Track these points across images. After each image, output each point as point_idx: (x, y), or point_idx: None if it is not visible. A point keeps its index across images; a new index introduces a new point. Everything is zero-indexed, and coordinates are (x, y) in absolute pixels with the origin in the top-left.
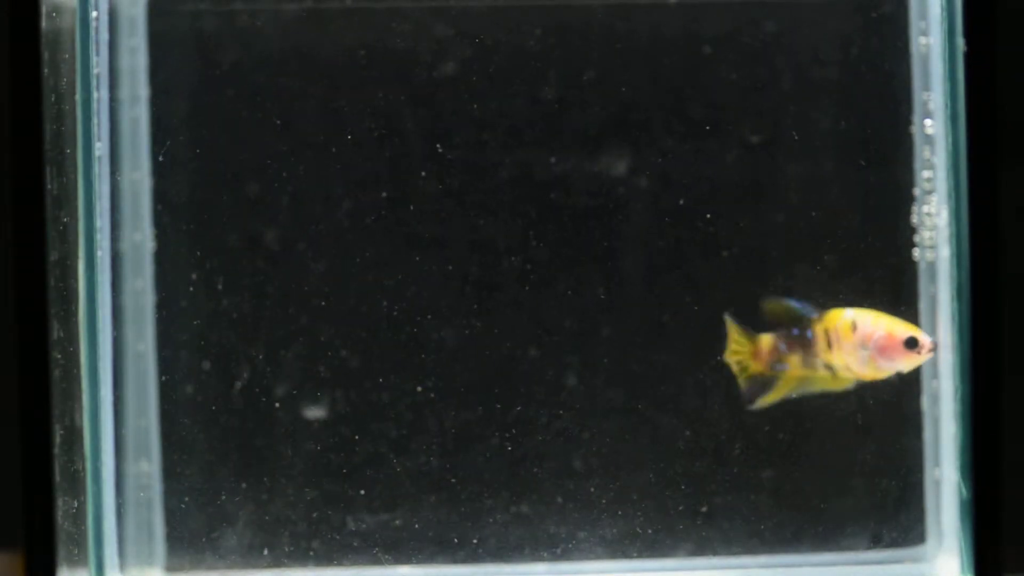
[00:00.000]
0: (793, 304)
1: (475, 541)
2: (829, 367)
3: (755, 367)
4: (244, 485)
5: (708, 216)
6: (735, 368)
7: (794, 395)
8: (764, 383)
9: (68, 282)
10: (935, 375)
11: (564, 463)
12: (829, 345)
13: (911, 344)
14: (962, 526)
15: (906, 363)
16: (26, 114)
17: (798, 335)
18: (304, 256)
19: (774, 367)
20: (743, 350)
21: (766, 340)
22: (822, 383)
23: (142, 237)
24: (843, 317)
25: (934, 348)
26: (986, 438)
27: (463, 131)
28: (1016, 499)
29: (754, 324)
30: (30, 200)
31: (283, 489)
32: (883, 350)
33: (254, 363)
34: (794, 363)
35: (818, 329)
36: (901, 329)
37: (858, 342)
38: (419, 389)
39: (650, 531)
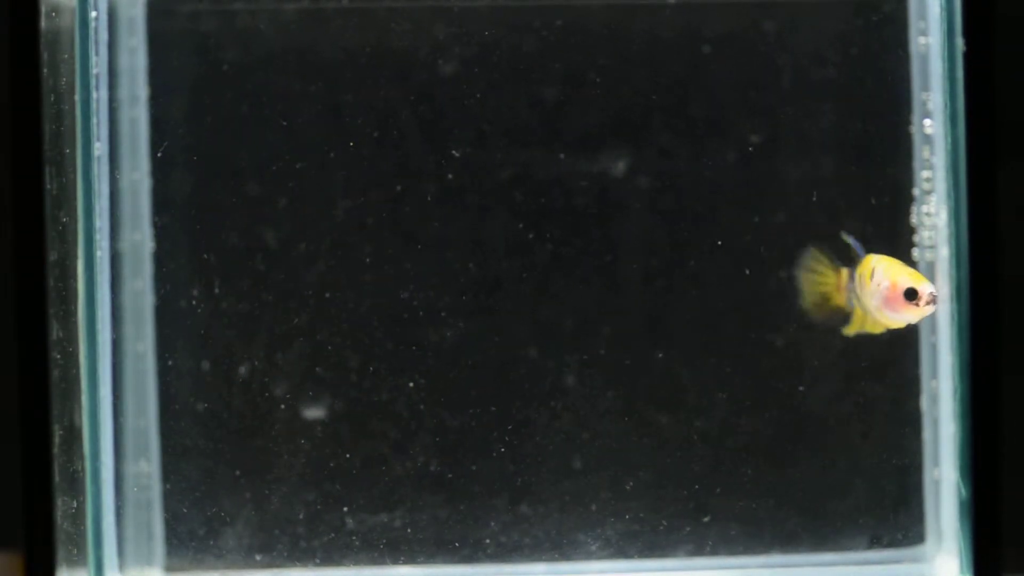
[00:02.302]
0: (853, 243)
1: (475, 541)
2: (865, 310)
3: (838, 299)
4: (243, 485)
5: (707, 216)
6: (813, 299)
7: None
8: (837, 316)
9: (67, 282)
10: (934, 375)
11: (564, 463)
12: (861, 290)
13: (910, 295)
14: (961, 526)
15: (909, 314)
16: (25, 114)
17: (872, 279)
18: (304, 256)
19: (849, 303)
20: (830, 281)
21: (846, 274)
22: (873, 326)
23: (141, 237)
24: (868, 263)
25: (933, 300)
26: (985, 438)
27: (463, 131)
28: (1015, 499)
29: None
30: (29, 200)
31: (282, 489)
32: (888, 300)
33: (254, 363)
34: (860, 303)
35: (859, 271)
36: (905, 279)
37: (873, 290)
38: (419, 389)
39: (650, 531)
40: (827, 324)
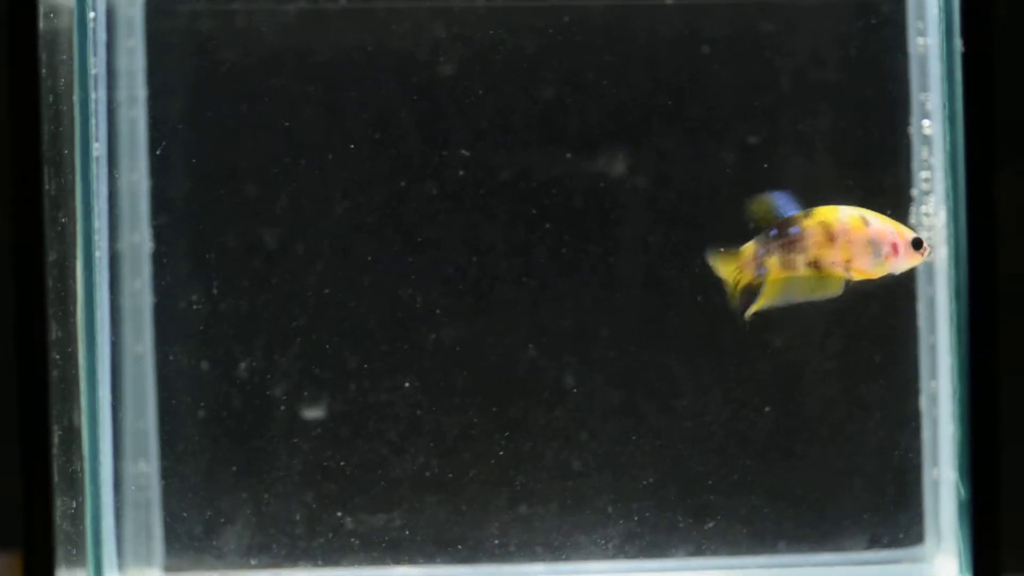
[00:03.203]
0: (776, 201)
1: (474, 542)
2: (815, 264)
3: (744, 277)
4: (242, 485)
5: (706, 216)
6: (730, 288)
7: (782, 303)
8: (753, 293)
9: (66, 283)
10: (933, 375)
11: (563, 463)
12: (831, 240)
13: (917, 245)
14: (960, 526)
15: (911, 262)
16: (24, 115)
17: (777, 235)
18: (303, 257)
19: (759, 273)
20: (730, 266)
21: (747, 248)
22: (806, 287)
23: (140, 238)
24: (846, 212)
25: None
26: (984, 438)
27: (462, 131)
28: (1014, 499)
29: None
30: (28, 201)
31: (281, 489)
32: (896, 248)
33: (252, 364)
34: (773, 266)
35: (809, 224)
36: (906, 230)
37: (875, 238)
38: (418, 390)
39: (649, 531)
40: (743, 305)
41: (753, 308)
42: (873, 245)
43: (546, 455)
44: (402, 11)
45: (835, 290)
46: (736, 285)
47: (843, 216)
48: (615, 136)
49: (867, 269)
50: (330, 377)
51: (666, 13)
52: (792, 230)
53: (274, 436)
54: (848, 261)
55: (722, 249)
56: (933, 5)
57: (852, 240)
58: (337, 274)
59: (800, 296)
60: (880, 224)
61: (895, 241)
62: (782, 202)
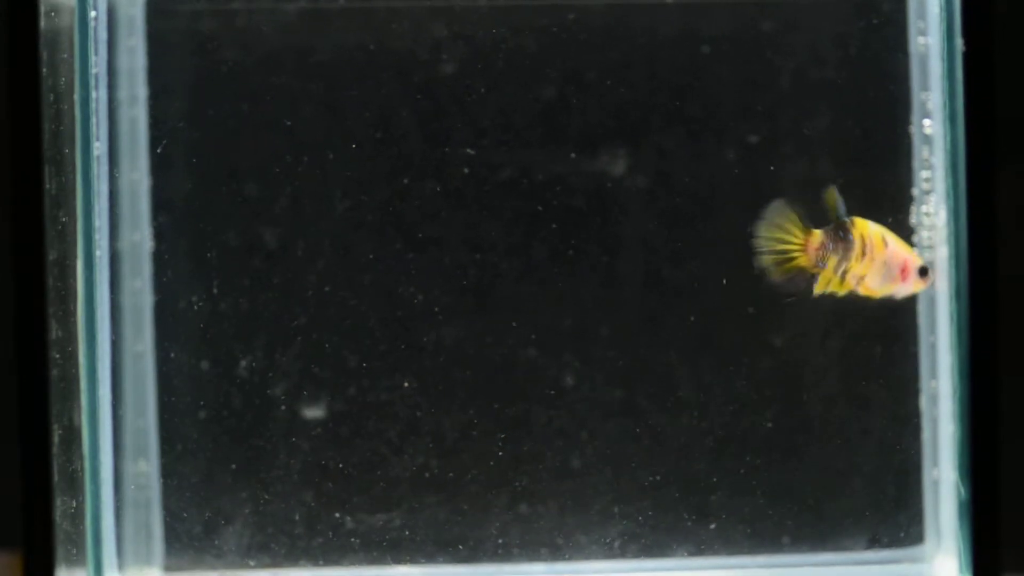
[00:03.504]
0: (840, 202)
1: (474, 541)
2: (844, 274)
3: (802, 260)
4: (242, 485)
5: (706, 216)
6: (776, 256)
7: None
8: (800, 279)
9: (67, 282)
10: (934, 375)
11: (563, 463)
12: (864, 253)
13: (923, 273)
14: (960, 526)
15: (914, 288)
16: (25, 114)
17: (842, 237)
18: (303, 256)
19: (817, 264)
20: (797, 241)
21: (817, 236)
22: (832, 287)
23: (141, 237)
24: (871, 228)
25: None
26: (984, 438)
27: (462, 131)
28: (1014, 499)
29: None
30: (29, 200)
31: (281, 489)
32: (904, 272)
33: (252, 363)
34: (831, 264)
35: (856, 234)
36: (915, 257)
37: (890, 259)
38: (417, 389)
39: (649, 531)
40: (784, 286)
41: (818, 289)
42: (887, 267)
43: (547, 454)
44: (402, 10)
45: (840, 294)
46: (789, 261)
47: (873, 233)
48: (616, 135)
49: (875, 288)
50: (330, 376)
51: (667, 12)
52: (849, 236)
53: (274, 435)
54: (863, 277)
55: (798, 222)
56: (934, 4)
57: (874, 258)
58: (337, 273)
59: (821, 293)
60: (897, 247)
61: (906, 267)
62: (841, 202)
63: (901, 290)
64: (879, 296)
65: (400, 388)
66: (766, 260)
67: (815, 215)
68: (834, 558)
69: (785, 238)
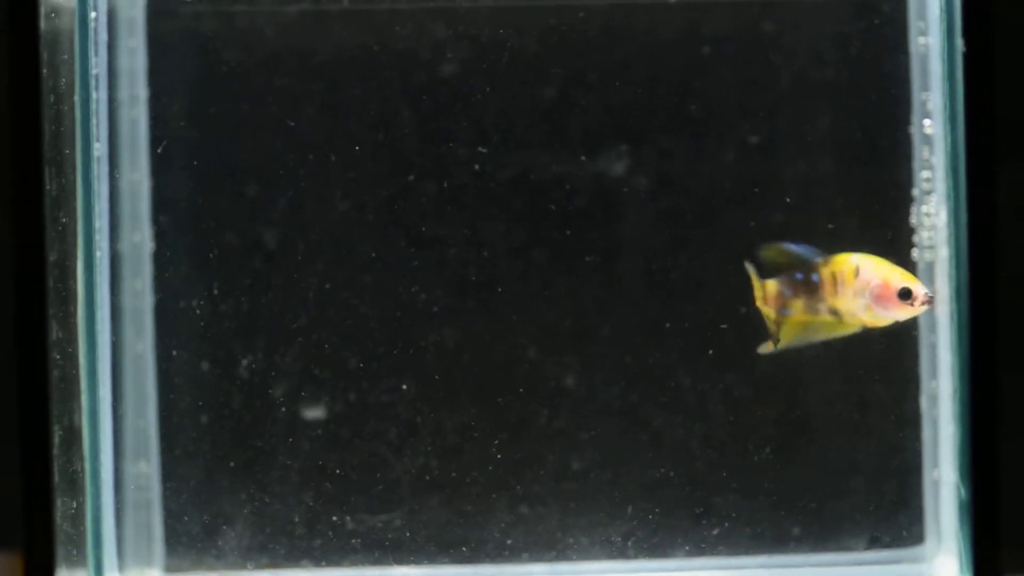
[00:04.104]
0: (793, 248)
1: (475, 542)
2: (835, 312)
3: (764, 312)
4: (242, 486)
5: (707, 216)
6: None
7: (800, 343)
8: (769, 330)
9: (67, 283)
10: (934, 376)
11: (563, 464)
12: (836, 289)
13: (904, 295)
14: (960, 527)
15: (901, 313)
16: (25, 115)
17: (803, 279)
18: (303, 257)
19: (780, 312)
20: (757, 295)
21: (771, 285)
22: (827, 329)
23: (141, 238)
24: (848, 261)
25: (929, 301)
26: (984, 439)
27: (463, 132)
28: (1014, 500)
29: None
30: (29, 201)
31: (281, 490)
32: (879, 299)
33: (253, 364)
34: (798, 308)
35: (825, 273)
36: (897, 279)
37: (859, 288)
38: (418, 389)
39: (650, 531)
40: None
41: (772, 346)
42: (860, 294)
43: (547, 456)
44: (403, 12)
45: (852, 331)
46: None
47: (844, 266)
48: (618, 135)
49: (863, 316)
50: (331, 377)
51: (669, 12)
52: (813, 277)
53: (275, 436)
54: (850, 312)
55: (755, 278)
56: (934, 5)
57: (846, 291)
58: (338, 274)
59: (818, 338)
60: (869, 275)
61: (879, 293)
62: (797, 248)
63: (892, 315)
64: (881, 325)
65: (401, 389)
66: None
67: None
68: (835, 558)
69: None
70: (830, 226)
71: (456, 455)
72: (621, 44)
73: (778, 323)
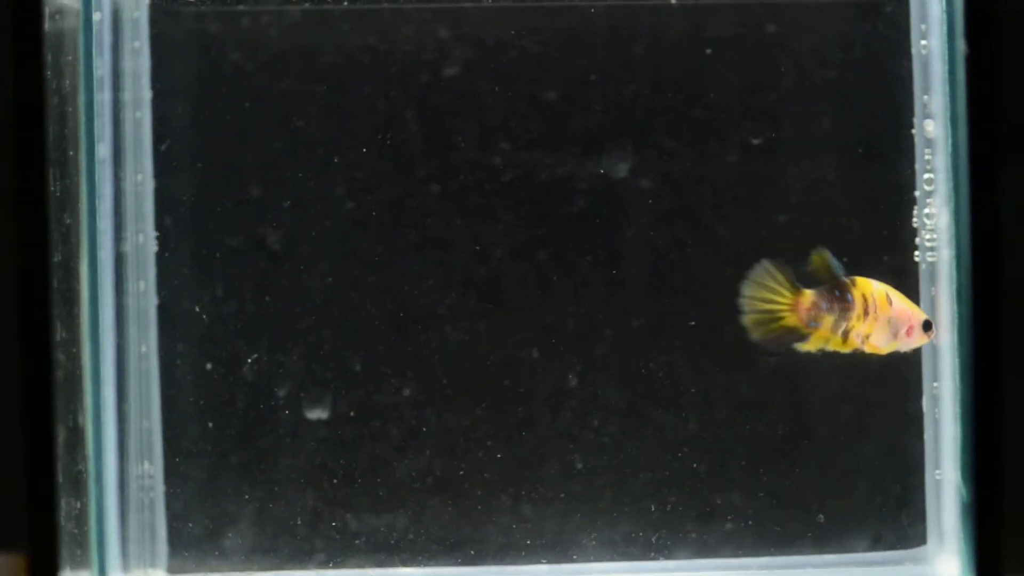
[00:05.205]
0: (834, 261)
1: (477, 542)
2: (847, 333)
3: (790, 320)
4: (247, 486)
5: (710, 218)
6: (761, 316)
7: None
8: (786, 338)
9: (71, 284)
10: (936, 376)
11: (565, 464)
12: (867, 314)
13: (927, 327)
14: (963, 527)
15: (916, 343)
16: (29, 116)
17: (840, 297)
18: (307, 258)
19: (809, 325)
20: (784, 301)
21: (809, 296)
22: (832, 345)
23: (145, 239)
24: (873, 286)
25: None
26: (987, 439)
27: (466, 133)
28: (1017, 500)
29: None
30: (33, 202)
31: (286, 490)
32: (909, 332)
33: (257, 364)
34: (827, 324)
35: (857, 294)
36: (919, 311)
37: (891, 316)
38: (422, 390)
39: (651, 531)
40: (766, 344)
41: (808, 346)
42: (893, 325)
43: (552, 456)
44: (406, 13)
45: (844, 352)
46: (776, 320)
47: (876, 292)
48: (621, 136)
49: (882, 346)
50: (335, 378)
51: (671, 13)
52: (848, 297)
53: (279, 437)
54: (868, 336)
55: (787, 281)
56: (936, 7)
57: (879, 317)
58: (343, 275)
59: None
60: (902, 305)
61: (912, 324)
62: (836, 263)
63: (905, 345)
64: (884, 352)
65: (405, 389)
66: (750, 319)
67: (808, 275)
68: (836, 559)
69: (771, 298)
70: (830, 227)
71: (460, 455)
72: (624, 46)
73: (792, 333)
